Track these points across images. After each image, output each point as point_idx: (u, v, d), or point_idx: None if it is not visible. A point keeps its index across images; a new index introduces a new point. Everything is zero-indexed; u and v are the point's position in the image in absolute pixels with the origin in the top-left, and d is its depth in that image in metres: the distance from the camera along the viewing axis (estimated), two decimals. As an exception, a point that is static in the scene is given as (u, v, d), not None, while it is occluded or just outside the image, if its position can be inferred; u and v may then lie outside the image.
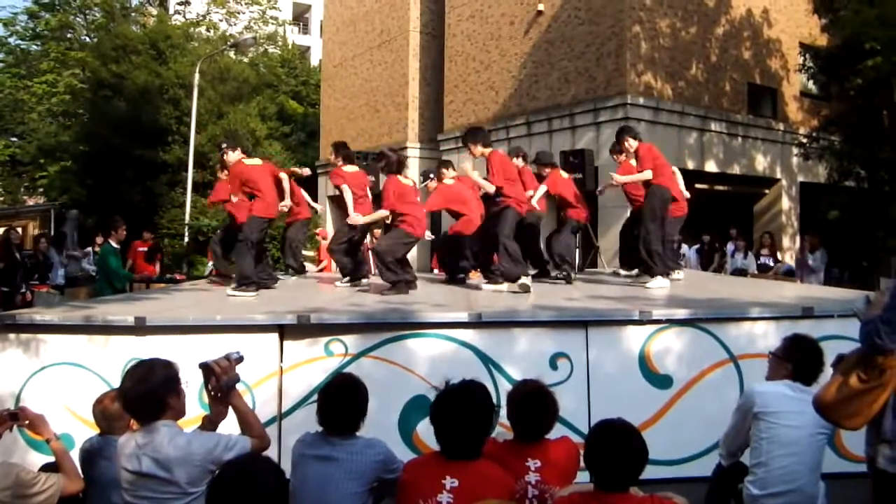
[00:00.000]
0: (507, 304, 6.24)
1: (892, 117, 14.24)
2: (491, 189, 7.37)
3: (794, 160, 18.01)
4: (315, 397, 3.28)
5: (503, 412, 3.21)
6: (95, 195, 21.93)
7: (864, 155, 14.16)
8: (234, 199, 8.14)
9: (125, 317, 5.19)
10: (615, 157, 8.80)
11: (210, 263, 10.56)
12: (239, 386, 3.16)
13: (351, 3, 25.80)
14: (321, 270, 11.80)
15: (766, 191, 18.76)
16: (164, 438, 2.83)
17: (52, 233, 13.65)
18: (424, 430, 4.87)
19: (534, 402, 3.19)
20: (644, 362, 5.20)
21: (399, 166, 7.63)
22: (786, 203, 18.51)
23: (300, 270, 9.74)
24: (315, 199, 22.88)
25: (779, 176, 18.43)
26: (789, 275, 12.45)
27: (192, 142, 19.53)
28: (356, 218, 7.82)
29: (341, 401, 3.13)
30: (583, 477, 3.15)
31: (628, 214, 9.53)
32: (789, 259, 15.45)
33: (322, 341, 5.13)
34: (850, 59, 13.63)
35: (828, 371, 3.26)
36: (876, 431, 2.85)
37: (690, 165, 16.21)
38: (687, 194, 8.77)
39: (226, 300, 6.89)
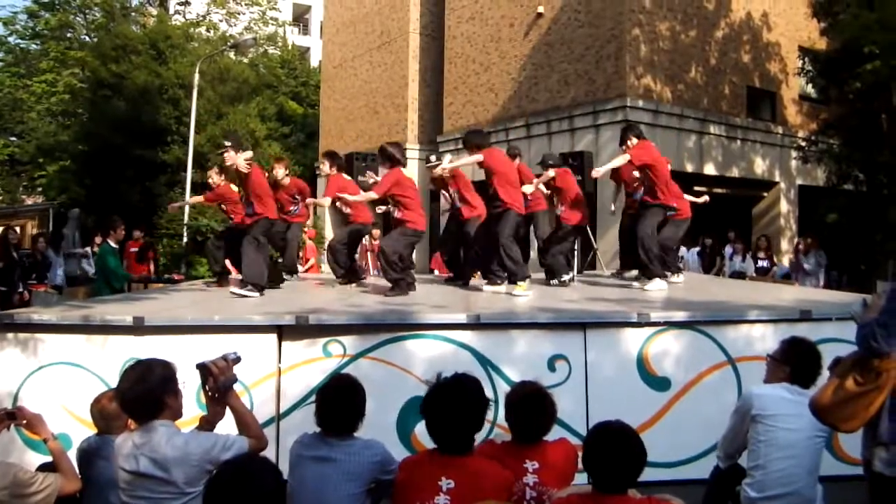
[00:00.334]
0: (506, 306, 6.24)
1: (890, 121, 14.24)
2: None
3: (793, 163, 18.03)
4: (313, 398, 3.28)
5: (501, 414, 3.21)
6: (94, 195, 21.92)
7: (862, 158, 14.18)
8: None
9: (123, 317, 5.19)
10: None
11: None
12: (237, 386, 3.16)
13: (351, 4, 25.81)
14: (307, 270, 11.77)
15: (765, 194, 18.78)
16: (162, 438, 2.83)
17: (51, 232, 13.65)
18: (422, 430, 4.82)
19: (532, 404, 3.19)
20: (642, 364, 5.21)
21: (399, 160, 7.58)
22: (784, 206, 18.53)
23: (293, 271, 9.77)
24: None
25: (777, 179, 18.45)
26: (786, 278, 12.46)
27: (191, 142, 19.53)
28: (346, 197, 7.82)
29: (339, 402, 3.13)
30: (581, 479, 3.15)
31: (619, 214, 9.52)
32: (786, 262, 15.46)
33: (320, 342, 5.13)
34: (849, 62, 13.65)
35: (825, 374, 3.26)
36: (872, 434, 2.86)
37: (689, 168, 16.24)
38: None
39: (224, 300, 6.88)
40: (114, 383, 4.22)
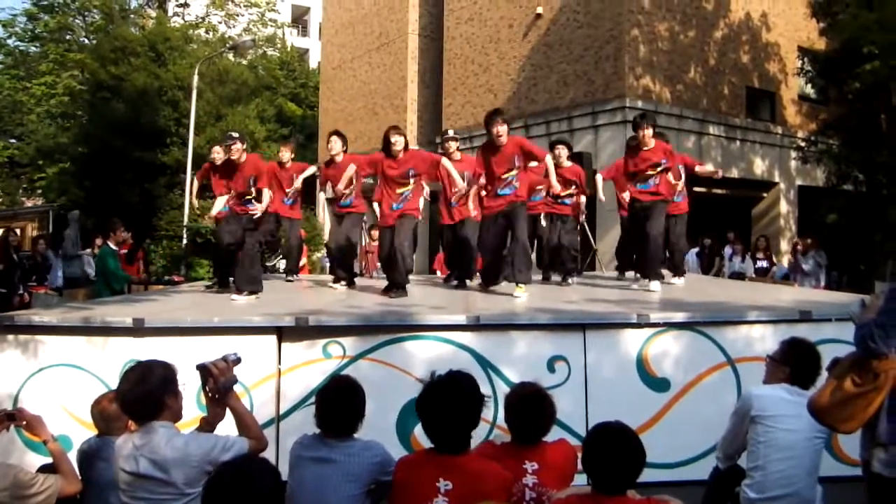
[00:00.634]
0: (505, 307, 6.24)
1: (890, 121, 14.27)
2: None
3: (793, 164, 18.05)
4: (313, 399, 3.28)
5: (500, 415, 3.21)
6: (94, 197, 21.92)
7: (862, 159, 14.20)
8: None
9: (123, 318, 5.19)
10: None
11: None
12: (237, 388, 3.17)
13: (350, 5, 25.83)
14: (300, 271, 11.74)
15: (765, 194, 18.80)
16: (162, 439, 2.84)
17: (51, 234, 13.63)
18: (422, 432, 4.82)
19: (531, 405, 3.20)
20: (642, 365, 5.21)
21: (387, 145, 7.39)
22: (784, 207, 18.54)
23: (293, 271, 9.82)
24: (312, 202, 22.84)
25: (777, 179, 18.47)
26: (786, 279, 12.47)
27: (190, 144, 19.52)
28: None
29: (339, 403, 3.13)
30: (581, 480, 3.16)
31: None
32: (786, 263, 15.47)
33: (320, 343, 5.13)
34: (849, 62, 13.67)
35: (825, 374, 3.27)
36: (871, 435, 2.86)
37: (689, 169, 16.22)
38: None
39: (224, 302, 6.88)
40: (114, 385, 4.22)
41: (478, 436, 3.01)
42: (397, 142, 7.15)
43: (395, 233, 7.13)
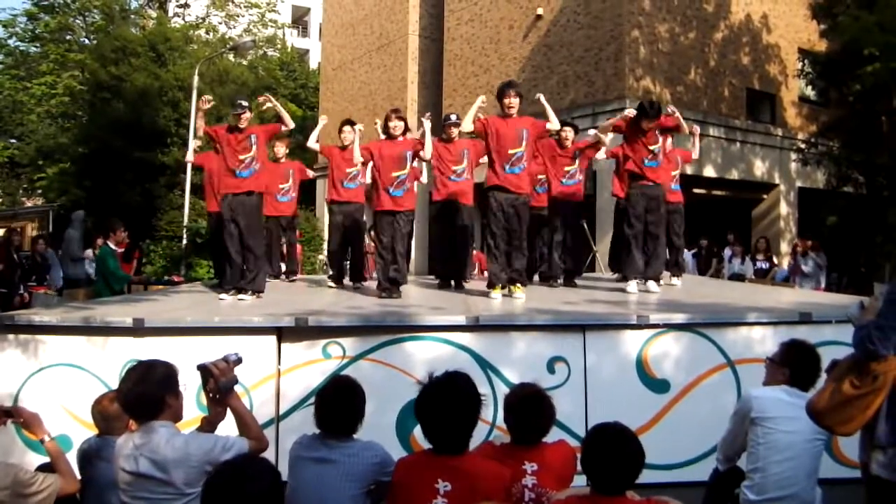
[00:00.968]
0: (505, 308, 6.24)
1: (890, 123, 14.28)
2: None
3: (793, 165, 18.06)
4: (313, 399, 3.28)
5: (500, 416, 3.21)
6: (94, 197, 21.96)
7: (862, 160, 14.20)
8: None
9: (123, 318, 5.19)
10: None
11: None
12: (237, 388, 3.17)
13: (350, 6, 25.85)
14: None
15: (765, 196, 18.80)
16: (162, 439, 2.84)
17: (51, 234, 13.64)
18: (421, 432, 4.87)
19: (531, 406, 3.20)
20: (641, 366, 5.20)
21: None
22: (784, 208, 18.54)
23: (294, 272, 9.86)
24: (313, 203, 22.85)
25: (777, 181, 18.47)
26: (785, 281, 12.46)
27: (190, 144, 19.49)
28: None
29: (338, 403, 3.13)
30: (581, 481, 3.16)
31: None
32: (786, 265, 15.48)
33: (320, 344, 5.13)
34: (849, 64, 13.67)
35: (825, 376, 3.26)
36: (870, 437, 2.85)
37: (689, 170, 16.19)
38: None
39: (223, 302, 6.87)
40: (114, 385, 4.23)
41: (477, 436, 3.00)
42: (396, 126, 7.21)
43: (396, 227, 7.11)
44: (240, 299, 6.92)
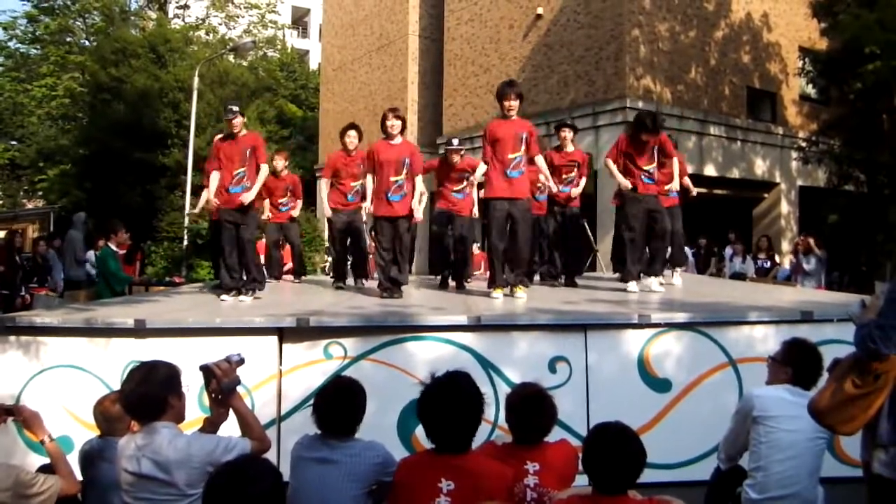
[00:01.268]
0: (506, 308, 6.24)
1: (891, 121, 14.26)
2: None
3: (794, 164, 18.04)
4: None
5: (502, 415, 3.21)
6: (95, 198, 21.96)
7: (863, 159, 14.18)
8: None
9: (125, 319, 5.19)
10: None
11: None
12: (238, 388, 3.17)
13: (350, 7, 25.85)
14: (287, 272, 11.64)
15: (766, 195, 18.79)
16: (164, 440, 2.84)
17: (56, 236, 13.64)
18: (423, 432, 4.86)
19: (532, 406, 3.20)
20: (643, 366, 5.20)
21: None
22: (785, 207, 18.53)
23: (303, 273, 9.90)
24: (313, 203, 22.86)
25: (778, 180, 18.46)
26: (787, 280, 12.45)
27: (191, 145, 19.51)
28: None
29: (339, 403, 3.13)
30: (581, 480, 3.16)
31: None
32: (787, 264, 15.48)
33: (321, 344, 5.13)
34: (850, 62, 13.65)
35: (826, 375, 3.26)
36: (871, 436, 2.85)
37: (689, 169, 16.18)
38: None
39: (224, 303, 6.88)
40: (116, 386, 4.23)
41: (479, 436, 3.00)
42: (394, 125, 7.18)
43: (396, 230, 7.11)
44: (240, 300, 6.92)
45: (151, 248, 19.14)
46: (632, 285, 7.33)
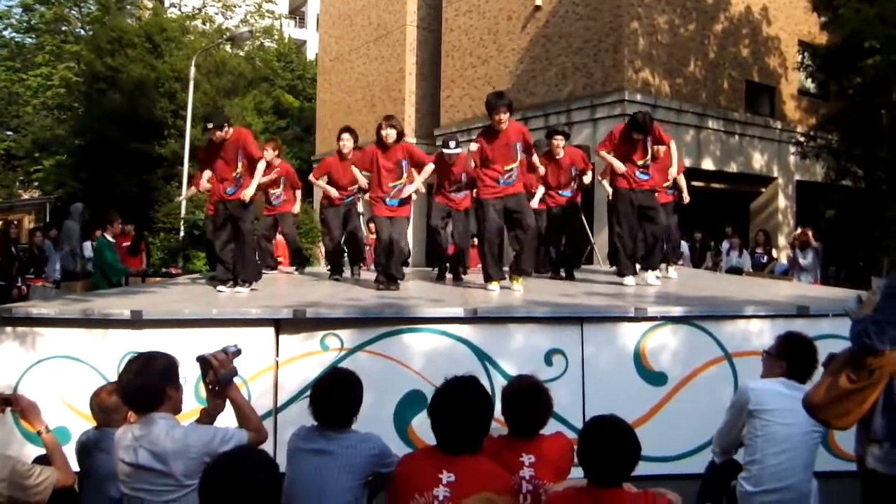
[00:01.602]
0: (503, 300, 6.25)
1: (890, 116, 14.27)
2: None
3: (792, 159, 18.05)
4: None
5: (498, 408, 3.21)
6: (91, 189, 21.93)
7: (861, 154, 14.18)
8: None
9: (121, 310, 5.19)
10: None
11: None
12: (235, 379, 3.17)
13: (348, -3, 25.77)
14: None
15: (763, 189, 18.80)
16: (161, 431, 2.84)
17: (52, 227, 13.61)
18: (419, 424, 4.88)
19: (528, 398, 3.21)
20: (639, 359, 5.22)
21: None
22: (782, 202, 18.55)
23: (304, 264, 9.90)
24: (310, 195, 22.82)
25: (776, 174, 18.47)
26: (784, 274, 12.47)
27: (187, 135, 19.49)
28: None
29: (335, 395, 3.14)
30: (577, 473, 3.17)
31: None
32: (784, 258, 15.50)
33: (318, 335, 5.14)
34: (850, 57, 13.65)
35: (822, 369, 3.27)
36: (866, 431, 2.86)
37: (687, 163, 16.19)
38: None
39: (220, 294, 6.88)
40: (112, 377, 4.23)
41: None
42: (388, 135, 7.08)
43: (392, 225, 7.11)
44: (237, 291, 6.92)
45: (148, 238, 19.11)
46: (628, 279, 7.35)
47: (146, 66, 22.94)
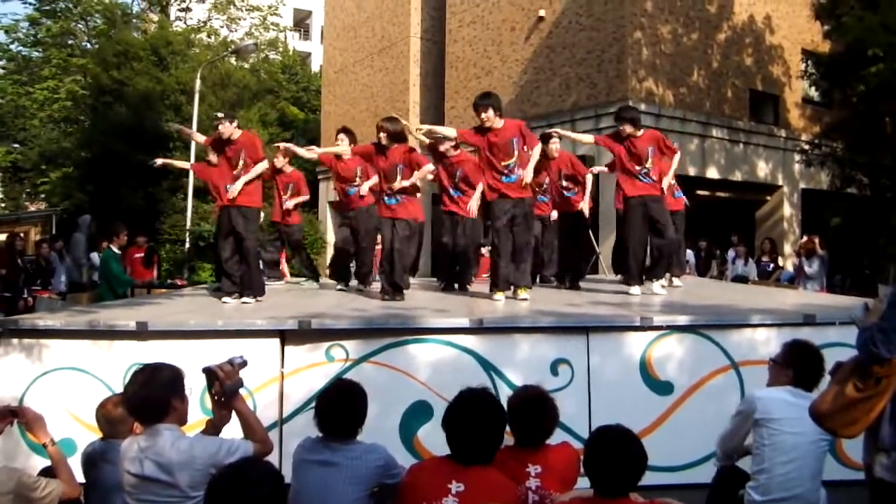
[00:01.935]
0: (508, 310, 6.24)
1: (894, 124, 14.24)
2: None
3: (796, 167, 18.04)
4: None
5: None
6: (97, 201, 21.98)
7: (866, 162, 14.15)
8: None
9: (127, 322, 5.20)
10: None
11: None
12: (241, 390, 3.17)
13: (352, 9, 25.88)
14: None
15: (768, 197, 18.78)
16: (167, 442, 2.85)
17: (58, 238, 13.66)
18: (425, 435, 4.87)
19: (534, 408, 3.20)
20: (645, 368, 5.20)
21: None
22: (787, 210, 18.52)
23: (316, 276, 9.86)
24: (315, 205, 22.85)
25: (780, 183, 18.45)
26: (790, 282, 12.43)
27: (192, 148, 19.54)
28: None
29: (339, 406, 3.14)
30: (583, 483, 3.16)
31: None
32: (790, 266, 15.46)
33: (323, 346, 5.13)
34: (853, 65, 13.63)
35: (828, 378, 3.26)
36: (873, 440, 2.85)
37: (692, 172, 16.23)
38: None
39: (226, 305, 6.88)
40: (118, 388, 4.24)
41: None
42: (382, 137, 7.13)
43: (395, 229, 7.11)
44: (243, 302, 6.93)
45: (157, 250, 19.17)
46: (634, 288, 7.34)
47: (152, 78, 23.05)
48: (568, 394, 4.99)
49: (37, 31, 30.30)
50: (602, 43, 16.23)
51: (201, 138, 7.56)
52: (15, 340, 5.14)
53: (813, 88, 18.50)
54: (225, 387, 3.07)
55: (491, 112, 6.74)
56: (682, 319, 5.37)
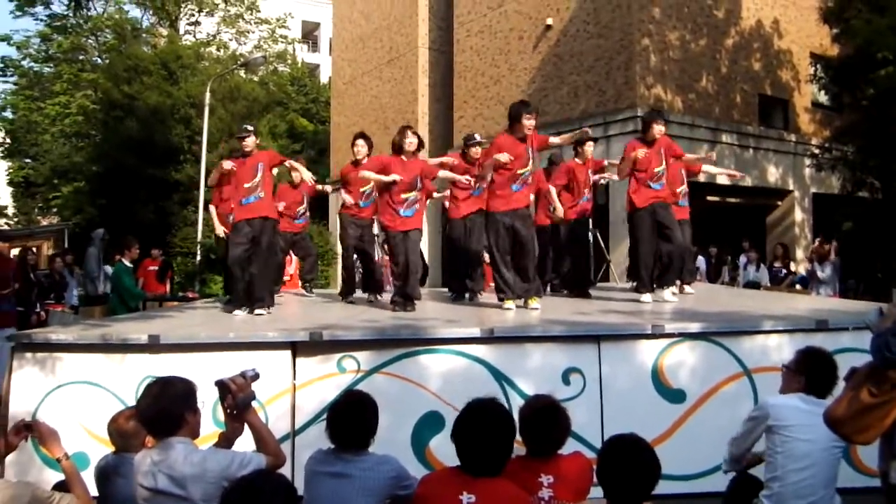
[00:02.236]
0: (519, 319, 6.23)
1: (905, 127, 14.16)
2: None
3: (807, 171, 17.95)
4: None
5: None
6: (108, 215, 22.12)
7: (877, 165, 14.08)
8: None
9: (139, 335, 5.22)
10: None
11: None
12: (253, 403, 3.18)
13: (360, 20, 25.99)
14: (287, 283, 11.56)
15: (779, 202, 18.69)
16: (180, 455, 2.85)
17: (70, 252, 13.76)
18: (437, 445, 4.86)
19: (546, 418, 3.19)
20: (657, 376, 5.18)
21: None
22: (799, 215, 18.42)
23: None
24: (325, 216, 22.88)
25: (791, 187, 18.36)
26: (802, 285, 12.37)
27: (203, 161, 19.64)
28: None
29: (350, 417, 3.14)
30: (596, 492, 3.14)
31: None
32: (803, 270, 15.37)
33: (335, 358, 5.14)
34: (862, 68, 13.59)
35: (842, 384, 3.23)
36: (888, 446, 2.82)
37: (701, 178, 16.11)
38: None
39: (237, 317, 6.90)
40: (131, 402, 4.26)
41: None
42: (411, 143, 7.10)
43: (407, 242, 7.09)
44: (256, 314, 6.94)
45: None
46: (645, 296, 7.31)
47: (162, 92, 23.20)
48: (580, 403, 4.97)
49: (48, 47, 30.59)
50: (610, 50, 16.23)
51: (229, 165, 7.54)
52: (28, 354, 5.18)
53: (822, 92, 18.41)
54: (237, 399, 3.07)
55: (533, 121, 6.81)
56: (694, 327, 5.35)
